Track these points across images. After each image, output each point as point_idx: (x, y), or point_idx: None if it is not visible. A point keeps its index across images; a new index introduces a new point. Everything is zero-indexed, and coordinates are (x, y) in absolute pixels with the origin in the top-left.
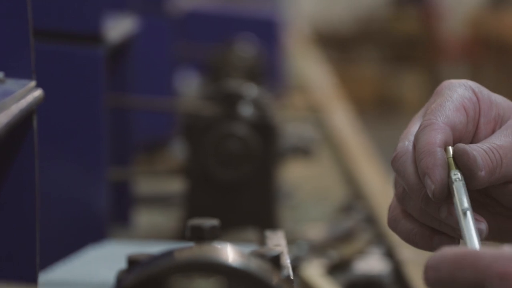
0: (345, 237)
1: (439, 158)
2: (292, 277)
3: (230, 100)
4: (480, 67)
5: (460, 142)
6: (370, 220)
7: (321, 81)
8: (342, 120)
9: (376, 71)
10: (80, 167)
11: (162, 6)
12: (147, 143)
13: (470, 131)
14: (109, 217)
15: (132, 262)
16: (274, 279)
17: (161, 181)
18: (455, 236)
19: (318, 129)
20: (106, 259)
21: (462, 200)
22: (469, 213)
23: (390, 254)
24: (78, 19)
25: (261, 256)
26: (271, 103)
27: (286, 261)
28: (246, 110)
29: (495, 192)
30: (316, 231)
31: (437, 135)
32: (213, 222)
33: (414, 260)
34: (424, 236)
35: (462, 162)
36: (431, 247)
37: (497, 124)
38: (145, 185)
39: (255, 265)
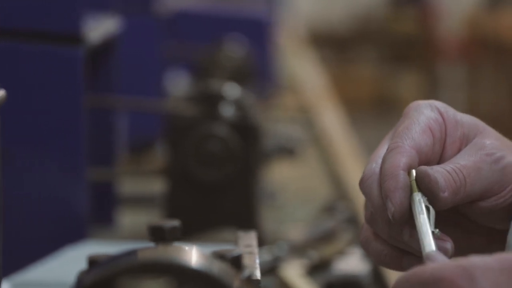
0: (325, 237)
1: (401, 181)
2: (257, 277)
3: (212, 101)
4: (477, 67)
5: (427, 164)
6: (352, 220)
7: (313, 82)
8: (332, 121)
9: (374, 71)
10: (60, 167)
11: (150, 6)
12: (134, 144)
13: (437, 152)
14: (91, 217)
15: (92, 263)
16: (232, 280)
17: (146, 181)
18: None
19: (307, 129)
20: (82, 260)
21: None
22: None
23: None
24: (58, 19)
25: (221, 257)
26: (254, 103)
27: (255, 261)
28: (228, 111)
29: (465, 210)
30: (297, 232)
31: (402, 158)
32: (174, 223)
33: None
34: (394, 257)
35: (423, 185)
36: (401, 268)
37: (463, 143)
38: (130, 186)
39: (213, 266)
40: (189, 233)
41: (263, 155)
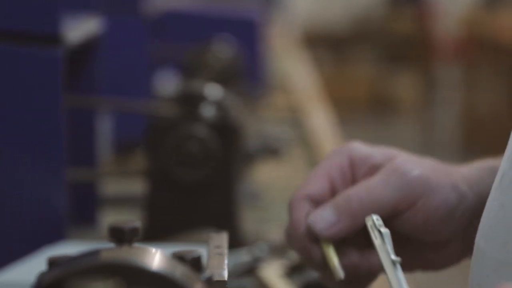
0: None
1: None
2: (223, 279)
3: (192, 101)
4: (474, 67)
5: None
6: None
7: (304, 82)
8: (320, 121)
9: (372, 71)
10: (39, 168)
11: (138, 7)
12: (121, 144)
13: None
14: (73, 218)
15: (52, 264)
16: (189, 281)
17: (129, 182)
18: None
19: (296, 129)
20: None
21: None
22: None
23: None
24: (36, 20)
25: (180, 258)
26: (236, 104)
27: (224, 263)
28: (208, 111)
29: (396, 227)
30: (278, 232)
31: (298, 212)
32: (134, 223)
33: None
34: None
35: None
36: None
37: (374, 172)
38: (113, 186)
39: (169, 267)
40: (169, 234)
41: (246, 155)
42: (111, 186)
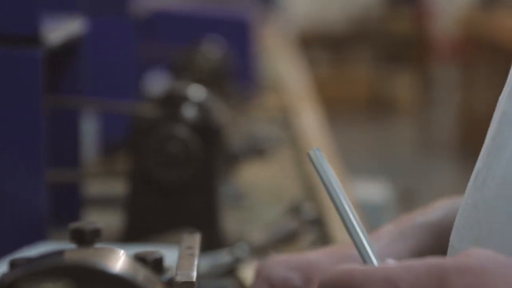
0: (287, 238)
1: None
2: (192, 280)
3: (174, 102)
4: (472, 67)
5: None
6: (317, 222)
7: (296, 82)
8: (309, 121)
9: (370, 71)
10: (19, 168)
11: (126, 7)
12: (108, 145)
13: None
14: (57, 218)
15: (12, 265)
16: (145, 282)
17: (114, 182)
18: None
19: (286, 130)
20: None
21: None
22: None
23: None
24: (16, 21)
25: (141, 259)
26: (219, 105)
27: (194, 263)
28: (190, 112)
29: None
30: (259, 233)
31: None
32: (96, 225)
33: None
34: None
35: None
36: None
37: None
38: (98, 187)
39: (126, 268)
40: (150, 234)
41: (231, 156)
42: (95, 187)
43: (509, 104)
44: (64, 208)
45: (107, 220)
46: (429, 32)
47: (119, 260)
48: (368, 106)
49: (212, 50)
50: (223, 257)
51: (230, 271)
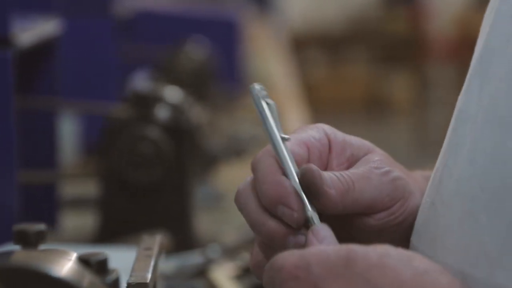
0: None
1: (288, 185)
2: (145, 281)
3: (147, 103)
4: (468, 67)
5: None
6: None
7: (284, 83)
8: (295, 122)
9: (366, 71)
10: None
11: (107, 8)
12: (90, 146)
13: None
14: (33, 220)
15: None
16: (88, 285)
17: (92, 183)
18: None
19: None
20: None
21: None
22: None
23: None
24: None
25: (85, 261)
26: (194, 106)
27: (150, 265)
28: (163, 113)
29: (359, 226)
30: (232, 234)
31: (275, 162)
32: (40, 226)
33: None
34: None
35: (308, 181)
36: None
37: (351, 164)
38: (76, 188)
39: (65, 270)
40: (122, 235)
41: (209, 156)
42: (72, 188)
43: (465, 101)
44: (40, 210)
45: (83, 221)
46: (425, 33)
47: (61, 263)
48: (365, 106)
49: (195, 51)
50: (194, 258)
51: (202, 272)
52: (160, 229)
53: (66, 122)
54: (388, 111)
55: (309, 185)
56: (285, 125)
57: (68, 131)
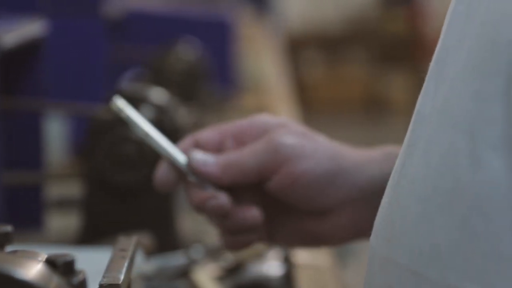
0: None
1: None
2: (117, 283)
3: (131, 104)
4: None
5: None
6: None
7: (277, 83)
8: None
9: (365, 71)
10: None
11: (96, 8)
12: (78, 147)
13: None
14: (18, 221)
15: None
16: (53, 286)
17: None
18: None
19: None
20: None
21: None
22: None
23: (287, 257)
24: None
25: (51, 262)
26: (179, 107)
27: (123, 266)
28: (147, 114)
29: (270, 193)
30: (215, 235)
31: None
32: (5, 228)
33: (309, 264)
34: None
35: (191, 165)
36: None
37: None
38: (63, 189)
39: (33, 273)
40: (105, 236)
41: None
42: (59, 189)
43: (421, 102)
44: (26, 211)
45: (69, 222)
46: (424, 33)
47: (27, 264)
48: (363, 106)
49: (185, 51)
50: (177, 259)
51: (184, 273)
52: (143, 230)
53: (54, 123)
54: (386, 111)
55: (193, 169)
56: None
57: (57, 132)
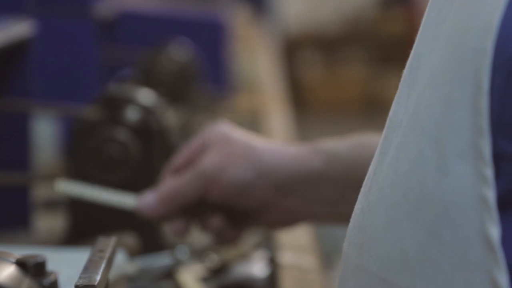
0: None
1: None
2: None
3: (116, 105)
4: None
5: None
6: None
7: (271, 84)
8: (278, 123)
9: (363, 72)
10: None
11: (87, 9)
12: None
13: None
14: (5, 221)
15: None
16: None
17: None
18: None
19: (253, 131)
20: None
21: None
22: None
23: (272, 258)
24: None
25: (22, 264)
26: (166, 108)
27: (100, 267)
28: (132, 115)
29: (224, 202)
30: (200, 236)
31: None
32: None
33: (294, 265)
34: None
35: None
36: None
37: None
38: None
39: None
40: (90, 237)
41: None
42: (48, 190)
43: (394, 109)
44: (13, 212)
45: (57, 223)
46: None
47: None
48: (362, 106)
49: (177, 52)
50: (163, 260)
51: (169, 274)
52: (129, 231)
53: (44, 124)
54: (384, 112)
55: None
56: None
57: (46, 133)
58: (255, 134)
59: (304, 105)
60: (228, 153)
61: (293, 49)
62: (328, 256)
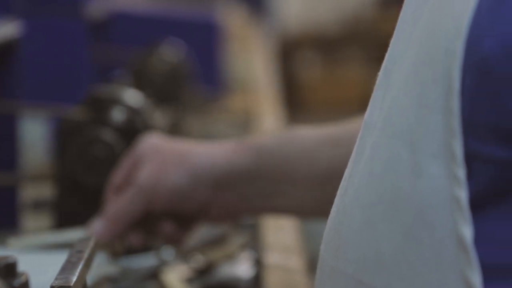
0: (215, 242)
1: None
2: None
3: (102, 105)
4: None
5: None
6: (247, 225)
7: (265, 84)
8: (270, 123)
9: (362, 72)
10: None
11: (78, 9)
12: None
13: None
14: None
15: None
16: None
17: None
18: None
19: (246, 131)
20: None
21: None
22: None
23: (258, 259)
24: None
25: None
26: (152, 109)
27: (77, 268)
28: (119, 116)
29: (169, 210)
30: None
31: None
32: None
33: (280, 266)
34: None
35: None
36: None
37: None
38: (39, 190)
39: None
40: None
41: None
42: (37, 190)
43: (369, 112)
44: (1, 212)
45: (44, 223)
46: None
47: None
48: (361, 106)
49: (169, 53)
50: (147, 260)
51: (154, 275)
52: None
53: (33, 125)
54: None
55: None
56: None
57: (36, 134)
58: (189, 140)
59: (304, 105)
60: (160, 163)
61: (292, 49)
62: (315, 257)
